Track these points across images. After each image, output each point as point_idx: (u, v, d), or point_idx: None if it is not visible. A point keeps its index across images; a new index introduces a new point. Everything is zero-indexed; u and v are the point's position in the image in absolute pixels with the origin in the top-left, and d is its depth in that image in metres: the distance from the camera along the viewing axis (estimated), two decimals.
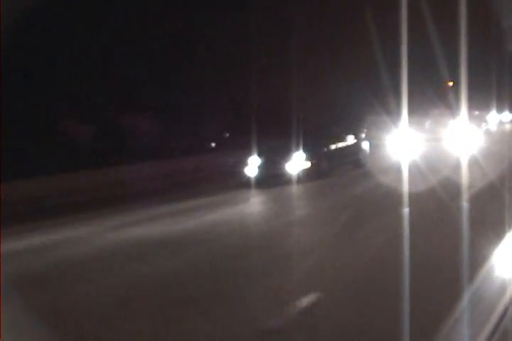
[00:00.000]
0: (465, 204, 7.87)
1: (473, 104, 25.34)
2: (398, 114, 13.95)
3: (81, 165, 15.76)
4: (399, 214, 7.71)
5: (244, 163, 15.42)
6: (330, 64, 21.91)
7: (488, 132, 25.29)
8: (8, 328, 4.23)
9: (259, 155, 15.46)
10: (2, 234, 8.19)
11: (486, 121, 28.29)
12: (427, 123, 19.20)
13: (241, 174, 15.39)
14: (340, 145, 17.09)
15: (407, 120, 14.07)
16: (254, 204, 12.35)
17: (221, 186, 15.14)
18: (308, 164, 14.96)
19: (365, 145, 18.35)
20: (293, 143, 15.17)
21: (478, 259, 5.40)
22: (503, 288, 4.53)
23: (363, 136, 18.90)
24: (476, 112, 25.57)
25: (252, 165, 15.28)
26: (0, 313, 4.39)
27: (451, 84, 33.90)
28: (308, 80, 20.77)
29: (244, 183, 15.00)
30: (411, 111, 18.05)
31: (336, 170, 16.23)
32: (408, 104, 12.82)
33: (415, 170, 13.08)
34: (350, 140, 17.79)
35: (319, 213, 10.39)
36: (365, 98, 20.10)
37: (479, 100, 28.76)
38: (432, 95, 20.87)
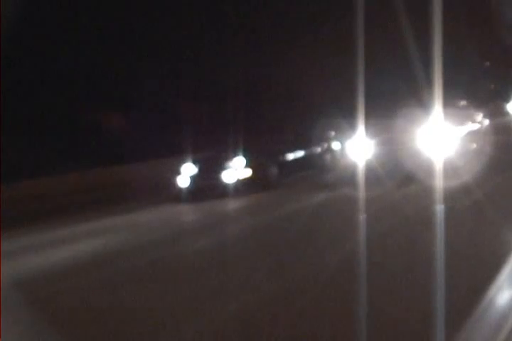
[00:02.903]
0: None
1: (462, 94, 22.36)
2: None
3: None
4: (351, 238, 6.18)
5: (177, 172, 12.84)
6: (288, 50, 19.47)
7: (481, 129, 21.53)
8: None
9: (194, 162, 12.86)
10: None
11: (480, 115, 23.09)
12: (395, 125, 16.10)
13: (173, 185, 12.78)
14: (300, 147, 14.34)
15: (363, 122, 11.67)
16: (168, 226, 9.66)
17: (147, 201, 12.61)
18: (248, 172, 12.29)
19: (335, 148, 15.60)
20: (234, 146, 12.59)
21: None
22: None
23: (332, 135, 15.87)
24: (463, 103, 21.57)
25: (185, 175, 12.66)
26: (0, 313, 4.24)
27: (488, 63, 32.18)
28: (260, 66, 18.28)
29: (175, 197, 12.48)
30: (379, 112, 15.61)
31: (292, 177, 13.55)
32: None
33: (377, 178, 10.88)
34: (316, 141, 15.03)
35: (241, 240, 7.70)
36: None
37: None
38: (404, 92, 18.17)
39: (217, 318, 4.68)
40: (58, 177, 15.01)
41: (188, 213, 11.12)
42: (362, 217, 7.32)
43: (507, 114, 30.19)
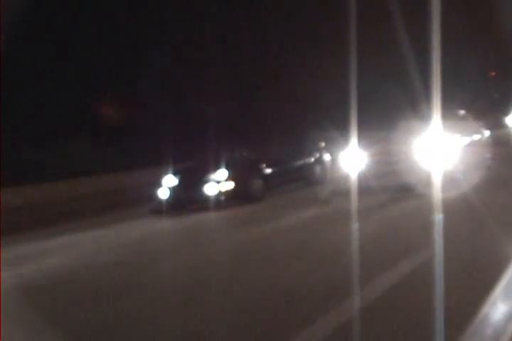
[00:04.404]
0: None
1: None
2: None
3: None
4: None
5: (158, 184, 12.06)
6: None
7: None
8: None
9: (175, 173, 12.07)
10: None
11: (481, 126, 21.62)
12: (391, 136, 15.21)
13: (153, 197, 12.00)
14: (288, 158, 13.51)
15: (356, 133, 11.04)
16: (138, 243, 8.77)
17: (125, 213, 11.95)
18: (231, 184, 11.45)
19: (326, 159, 14.69)
20: (217, 158, 11.81)
21: None
22: None
23: (322, 146, 14.94)
24: (462, 113, 20.37)
25: (165, 187, 11.85)
26: (0, 313, 4.13)
27: (493, 73, 31.97)
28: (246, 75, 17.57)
29: (154, 209, 11.72)
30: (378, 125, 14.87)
31: (278, 190, 12.73)
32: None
33: (371, 191, 10.09)
34: (305, 152, 14.18)
35: (216, 262, 6.78)
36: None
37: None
38: (401, 102, 17.36)
39: None
40: (34, 187, 14.29)
41: (164, 228, 10.25)
42: (354, 228, 6.61)
43: (506, 126, 29.54)
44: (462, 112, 20.19)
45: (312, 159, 14.09)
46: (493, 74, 30.05)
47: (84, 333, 4.54)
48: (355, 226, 7.00)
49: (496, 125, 27.43)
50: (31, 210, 12.68)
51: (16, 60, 13.78)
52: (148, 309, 5.11)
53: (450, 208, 6.91)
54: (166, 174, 12.13)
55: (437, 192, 6.96)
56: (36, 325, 4.63)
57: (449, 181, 9.26)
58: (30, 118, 15.71)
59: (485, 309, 4.10)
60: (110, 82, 16.91)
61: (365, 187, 10.19)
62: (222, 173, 11.51)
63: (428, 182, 8.15)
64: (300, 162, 13.74)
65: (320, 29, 19.34)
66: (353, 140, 12.27)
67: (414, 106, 14.90)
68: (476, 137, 19.67)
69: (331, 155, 14.55)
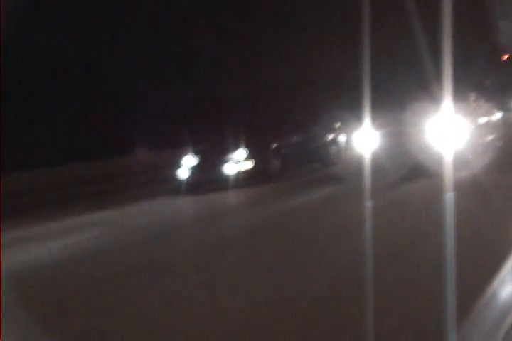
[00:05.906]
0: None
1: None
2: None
3: None
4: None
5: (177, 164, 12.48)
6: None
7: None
8: None
9: (195, 154, 12.47)
10: None
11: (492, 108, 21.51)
12: (403, 117, 15.42)
13: (173, 177, 12.42)
14: (304, 138, 13.84)
15: (370, 114, 11.19)
16: (158, 220, 9.18)
17: (145, 193, 12.21)
18: (249, 164, 11.85)
19: (341, 139, 15.02)
20: (235, 138, 12.18)
21: None
22: None
23: (338, 127, 15.30)
24: (473, 95, 20.38)
25: (185, 167, 12.26)
26: (0, 313, 4.02)
27: (505, 57, 31.76)
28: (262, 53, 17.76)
29: (173, 189, 12.14)
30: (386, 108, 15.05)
31: (295, 169, 13.11)
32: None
33: (384, 170, 10.37)
34: (320, 132, 14.49)
35: (235, 238, 7.15)
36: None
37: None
38: (413, 84, 17.54)
39: (208, 319, 4.28)
40: (57, 168, 14.71)
41: (181, 206, 10.68)
42: (368, 207, 6.80)
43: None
44: (474, 94, 20.27)
45: (328, 139, 14.42)
46: (506, 58, 29.91)
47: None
48: (368, 203, 7.26)
49: (504, 108, 27.66)
50: (57, 189, 13.15)
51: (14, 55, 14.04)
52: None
53: (461, 186, 7.20)
54: (186, 155, 12.54)
55: (448, 172, 7.26)
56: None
57: (460, 161, 9.56)
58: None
59: (494, 286, 4.24)
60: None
61: (378, 167, 10.47)
62: (241, 153, 11.89)
63: (439, 162, 8.46)
64: (316, 142, 14.07)
65: (333, 11, 19.49)
66: (367, 121, 12.53)
67: (426, 87, 15.08)
68: (488, 119, 19.87)
69: (346, 135, 14.87)
